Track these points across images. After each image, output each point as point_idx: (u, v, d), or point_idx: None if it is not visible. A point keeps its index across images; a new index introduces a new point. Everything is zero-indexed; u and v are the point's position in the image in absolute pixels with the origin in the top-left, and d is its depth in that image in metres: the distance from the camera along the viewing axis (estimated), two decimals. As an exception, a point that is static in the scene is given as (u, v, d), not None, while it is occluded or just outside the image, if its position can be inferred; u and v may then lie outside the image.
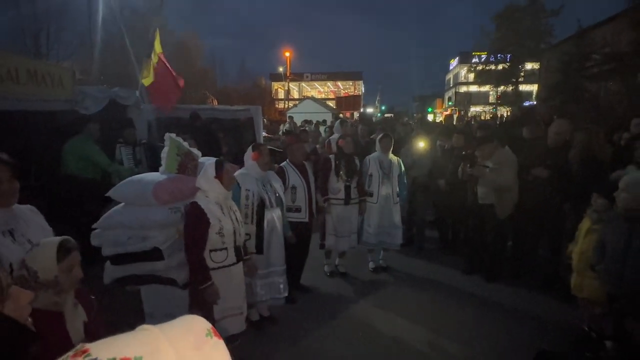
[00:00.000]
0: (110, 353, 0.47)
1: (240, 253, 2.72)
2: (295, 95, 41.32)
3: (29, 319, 1.10)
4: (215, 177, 2.56)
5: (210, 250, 2.54)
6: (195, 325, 0.56)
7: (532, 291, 4.07)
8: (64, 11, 18.11)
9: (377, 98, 38.32)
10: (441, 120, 12.24)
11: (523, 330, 3.42)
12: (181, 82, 5.77)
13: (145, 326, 0.53)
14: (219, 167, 2.58)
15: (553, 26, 24.29)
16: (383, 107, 40.02)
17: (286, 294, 3.47)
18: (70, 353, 0.49)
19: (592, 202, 3.07)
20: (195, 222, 2.51)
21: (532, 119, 5.35)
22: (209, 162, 2.68)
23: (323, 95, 43.64)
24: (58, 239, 1.54)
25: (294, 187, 3.85)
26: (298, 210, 3.88)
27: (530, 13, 24.54)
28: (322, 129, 12.08)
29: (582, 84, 15.31)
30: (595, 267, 2.73)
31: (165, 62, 5.57)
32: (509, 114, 16.61)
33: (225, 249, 2.59)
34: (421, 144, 5.28)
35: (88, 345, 0.49)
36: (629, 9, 13.39)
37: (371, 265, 4.75)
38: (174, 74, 5.70)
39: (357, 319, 3.65)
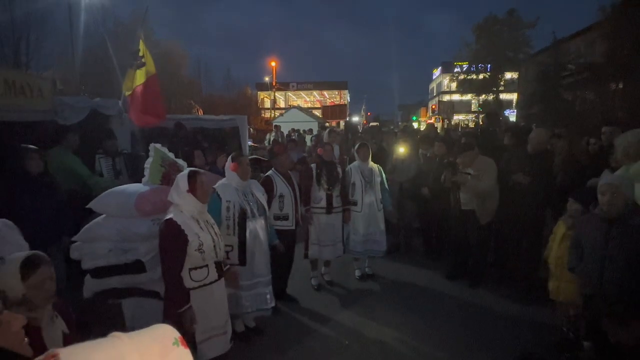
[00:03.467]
0: (79, 358, 0.49)
1: (221, 268, 2.60)
2: (282, 104, 41.41)
3: (25, 340, 1.06)
4: (188, 191, 2.40)
5: (190, 269, 2.37)
6: (163, 334, 0.58)
7: (514, 295, 4.14)
8: (45, 20, 17.81)
9: (363, 107, 38.69)
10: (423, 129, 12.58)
11: (505, 333, 3.47)
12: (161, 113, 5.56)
13: (115, 333, 0.55)
14: (191, 179, 2.42)
15: (530, 37, 25.24)
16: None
17: (273, 305, 3.41)
18: (42, 357, 0.50)
19: (568, 208, 3.16)
20: (172, 241, 2.32)
21: (499, 126, 5.54)
22: (181, 173, 2.52)
23: (309, 105, 43.86)
24: (23, 254, 1.48)
25: (281, 196, 3.85)
26: (286, 218, 3.88)
27: (508, 25, 25.45)
28: (308, 138, 12.16)
29: (558, 93, 15.88)
30: (574, 269, 2.78)
31: (155, 84, 5.45)
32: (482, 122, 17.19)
33: (206, 266, 2.44)
34: (401, 149, 5.37)
35: (58, 350, 0.50)
36: (601, 21, 14.02)
37: (357, 273, 4.77)
38: (159, 97, 5.55)
39: (344, 328, 3.65)
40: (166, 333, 0.59)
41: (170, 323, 2.05)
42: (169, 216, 2.39)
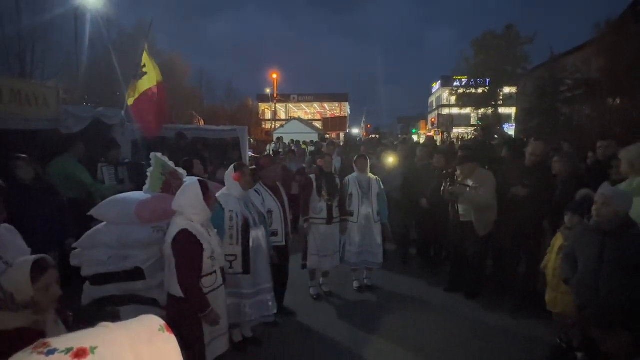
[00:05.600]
0: (69, 344, 0.52)
1: (224, 273, 2.69)
2: (282, 116, 41.74)
3: None
4: (204, 200, 2.45)
5: (202, 276, 2.44)
6: (149, 322, 0.63)
7: (511, 308, 4.13)
8: (50, 31, 18.05)
9: (363, 119, 38.95)
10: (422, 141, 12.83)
11: (501, 345, 3.46)
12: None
13: (104, 323, 0.59)
14: (205, 188, 2.47)
15: (528, 53, 25.58)
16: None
17: (275, 311, 3.42)
18: (32, 346, 0.52)
19: (566, 220, 3.19)
20: (190, 251, 2.37)
21: (492, 139, 5.61)
22: (190, 182, 2.55)
23: (309, 116, 44.17)
24: (32, 258, 1.53)
25: (270, 211, 3.72)
26: (275, 234, 3.76)
27: (506, 40, 25.84)
28: (309, 149, 12.25)
29: (556, 107, 16.05)
30: (569, 280, 2.80)
31: (162, 91, 5.68)
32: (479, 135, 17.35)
33: (215, 272, 2.53)
34: (390, 160, 5.41)
35: (48, 340, 0.53)
36: (597, 38, 14.26)
37: (355, 284, 4.76)
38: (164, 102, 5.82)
39: (341, 339, 3.63)
40: (152, 321, 0.63)
41: (191, 327, 2.09)
42: (181, 227, 2.39)
